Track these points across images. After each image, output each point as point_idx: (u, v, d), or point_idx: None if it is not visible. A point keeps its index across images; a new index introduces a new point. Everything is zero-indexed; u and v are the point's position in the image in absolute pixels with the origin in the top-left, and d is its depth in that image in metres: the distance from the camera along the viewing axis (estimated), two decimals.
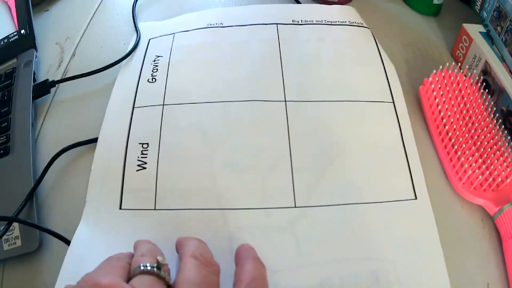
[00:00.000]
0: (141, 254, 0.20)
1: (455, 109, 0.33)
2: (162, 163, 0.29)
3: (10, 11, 0.38)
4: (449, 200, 0.30)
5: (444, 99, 0.33)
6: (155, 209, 0.27)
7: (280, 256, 0.26)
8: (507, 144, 0.31)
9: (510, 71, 0.35)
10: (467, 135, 0.31)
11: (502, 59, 0.36)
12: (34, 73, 0.35)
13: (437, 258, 0.26)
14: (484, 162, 0.30)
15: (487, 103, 0.34)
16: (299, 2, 0.45)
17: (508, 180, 0.30)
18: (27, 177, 0.28)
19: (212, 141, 0.31)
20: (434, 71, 0.34)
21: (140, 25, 0.39)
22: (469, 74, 0.35)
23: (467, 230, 0.29)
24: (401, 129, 0.32)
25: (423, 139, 0.33)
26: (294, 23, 0.40)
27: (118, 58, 0.36)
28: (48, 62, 0.38)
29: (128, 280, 0.19)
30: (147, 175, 0.29)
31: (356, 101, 0.34)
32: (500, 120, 0.34)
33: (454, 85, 0.34)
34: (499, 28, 0.37)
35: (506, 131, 0.33)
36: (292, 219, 0.27)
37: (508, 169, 0.30)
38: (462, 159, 0.30)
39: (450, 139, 0.31)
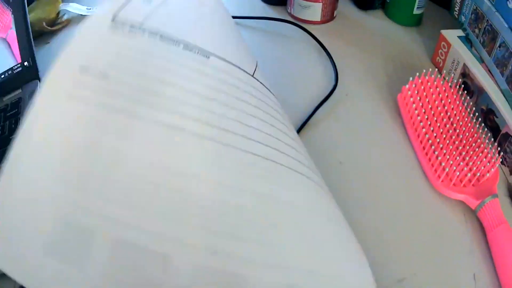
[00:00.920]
0: None
1: (433, 112, 0.35)
2: None
3: (10, 46, 0.42)
4: (430, 198, 0.32)
5: (421, 104, 0.36)
6: None
7: None
8: (487, 140, 0.33)
9: (489, 71, 0.37)
10: (445, 135, 0.33)
11: (481, 60, 0.38)
12: None
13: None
14: (463, 159, 0.32)
15: (466, 104, 0.36)
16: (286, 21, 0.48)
17: (488, 174, 0.31)
18: None
19: None
20: (411, 78, 0.37)
21: None
22: (447, 78, 0.37)
23: (450, 225, 0.31)
24: None
25: (402, 144, 0.36)
26: None
27: None
28: None
29: None
30: None
31: None
32: (480, 119, 0.36)
33: (431, 89, 0.36)
34: (477, 30, 0.39)
35: (486, 129, 0.35)
36: None
37: (489, 164, 0.31)
38: (440, 158, 0.32)
39: (428, 140, 0.34)
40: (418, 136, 0.35)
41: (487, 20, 0.37)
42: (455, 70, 0.40)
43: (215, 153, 0.21)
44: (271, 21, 0.49)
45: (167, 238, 0.19)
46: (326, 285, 0.21)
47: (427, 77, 0.37)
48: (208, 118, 0.21)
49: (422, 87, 0.36)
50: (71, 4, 0.51)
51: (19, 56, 0.41)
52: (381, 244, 0.30)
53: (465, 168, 0.31)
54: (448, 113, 0.35)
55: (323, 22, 0.49)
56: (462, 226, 0.31)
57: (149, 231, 0.19)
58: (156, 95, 0.20)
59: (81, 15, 0.51)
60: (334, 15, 0.50)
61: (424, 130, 0.34)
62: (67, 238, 0.18)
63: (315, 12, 0.48)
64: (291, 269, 0.21)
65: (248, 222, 0.20)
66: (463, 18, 0.41)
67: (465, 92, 0.37)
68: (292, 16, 0.51)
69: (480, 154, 0.32)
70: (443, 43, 0.41)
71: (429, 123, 0.34)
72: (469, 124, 0.34)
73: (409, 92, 0.36)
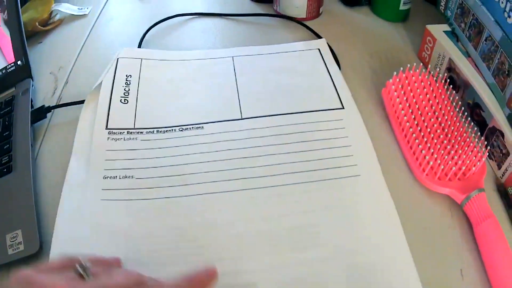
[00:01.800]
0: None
1: (417, 106, 0.34)
2: None
3: (0, 49, 0.42)
4: (416, 193, 0.32)
5: (406, 98, 0.35)
6: None
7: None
8: (473, 135, 0.32)
9: (475, 65, 0.36)
10: (430, 129, 0.33)
11: (468, 55, 0.37)
12: (31, 100, 0.38)
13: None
14: (449, 153, 0.31)
15: (452, 98, 0.35)
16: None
17: (475, 169, 0.31)
18: (28, 192, 0.31)
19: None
20: (395, 73, 0.36)
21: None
22: (432, 72, 0.37)
23: (436, 220, 0.30)
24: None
25: (386, 138, 0.35)
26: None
27: None
28: (43, 90, 0.41)
29: None
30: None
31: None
32: (467, 113, 0.35)
33: (416, 84, 0.36)
34: (463, 25, 0.38)
35: (473, 123, 0.35)
36: None
37: (475, 158, 0.31)
38: (424, 151, 0.31)
39: (412, 134, 0.33)
40: (403, 130, 0.34)
41: (473, 14, 0.36)
42: (441, 64, 0.39)
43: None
44: (258, 16, 0.49)
45: None
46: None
47: (411, 72, 0.36)
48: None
49: (407, 81, 0.36)
50: (63, 4, 0.52)
51: (13, 55, 0.41)
52: None
53: (450, 162, 0.31)
54: (433, 107, 0.35)
55: (309, 18, 0.49)
56: (448, 221, 0.30)
57: None
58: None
59: (73, 15, 0.51)
60: (320, 12, 0.50)
61: (408, 124, 0.33)
62: None
63: (301, 8, 0.48)
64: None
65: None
66: (449, 13, 0.41)
67: (451, 86, 0.36)
68: (278, 13, 0.50)
69: (466, 148, 0.31)
70: (428, 38, 0.41)
71: (413, 116, 0.34)
72: (455, 118, 0.34)
73: (393, 87, 0.36)
